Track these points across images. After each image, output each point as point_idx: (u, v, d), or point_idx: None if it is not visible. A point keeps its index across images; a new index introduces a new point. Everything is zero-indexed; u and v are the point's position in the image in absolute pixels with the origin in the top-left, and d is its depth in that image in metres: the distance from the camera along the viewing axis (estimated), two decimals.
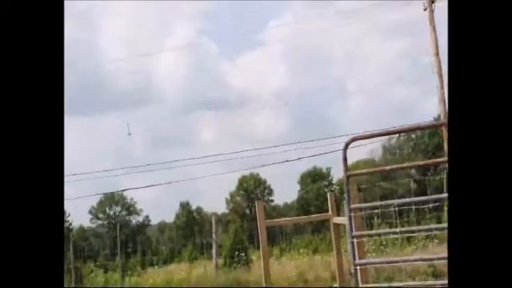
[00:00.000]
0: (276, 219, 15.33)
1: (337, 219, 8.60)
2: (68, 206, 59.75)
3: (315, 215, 15.20)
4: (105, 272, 20.78)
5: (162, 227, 67.86)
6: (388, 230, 9.99)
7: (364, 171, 8.37)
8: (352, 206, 5.41)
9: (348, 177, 5.32)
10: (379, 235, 8.30)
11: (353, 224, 5.38)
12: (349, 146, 5.27)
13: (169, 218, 66.33)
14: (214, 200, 69.81)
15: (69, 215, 61.35)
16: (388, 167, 7.08)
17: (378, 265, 9.37)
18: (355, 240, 5.42)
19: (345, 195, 5.43)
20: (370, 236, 8.40)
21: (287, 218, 17.87)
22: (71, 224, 61.64)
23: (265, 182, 64.05)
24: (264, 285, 8.63)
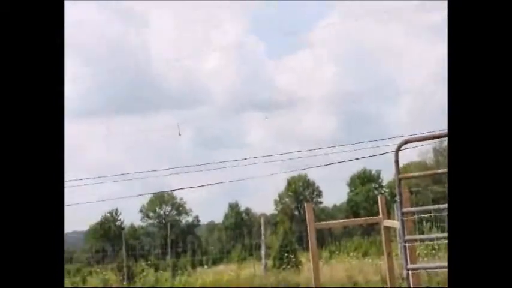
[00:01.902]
0: (326, 222, 15.26)
1: (388, 223, 8.48)
2: (119, 204, 60.97)
3: (365, 218, 15.02)
4: (156, 270, 21.09)
5: (211, 227, 68.37)
6: (441, 234, 9.79)
7: (416, 174, 8.22)
8: (405, 209, 5.34)
9: (399, 180, 5.26)
10: (432, 240, 8.13)
11: (405, 228, 5.31)
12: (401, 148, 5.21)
13: (218, 219, 66.79)
14: (263, 201, 69.90)
15: (120, 214, 62.73)
16: (440, 170, 6.95)
17: (430, 270, 9.20)
18: (407, 244, 5.34)
19: (397, 198, 5.36)
20: (422, 240, 8.26)
21: (337, 221, 17.74)
22: (122, 223, 62.92)
23: (313, 183, 63.74)
24: (313, 287, 8.60)
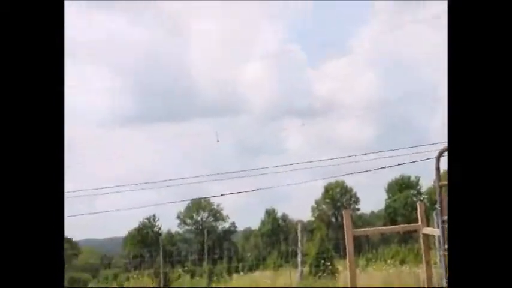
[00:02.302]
0: (363, 229, 15.06)
1: (427, 230, 8.30)
2: (157, 210, 61.54)
3: (403, 225, 14.79)
4: (192, 277, 21.16)
5: (248, 233, 68.38)
6: None
7: None
8: (445, 217, 5.20)
9: (440, 187, 5.13)
10: None
11: (445, 236, 5.16)
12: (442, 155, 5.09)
13: (255, 225, 66.82)
14: (299, 208, 69.69)
15: (158, 220, 63.29)
16: None
17: None
18: (447, 253, 5.20)
19: (437, 205, 5.24)
20: None
21: (375, 228, 17.51)
22: (160, 229, 63.46)
23: (351, 190, 63.23)
24: None
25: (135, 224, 61.85)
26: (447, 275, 5.19)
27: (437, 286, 8.79)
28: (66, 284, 20.58)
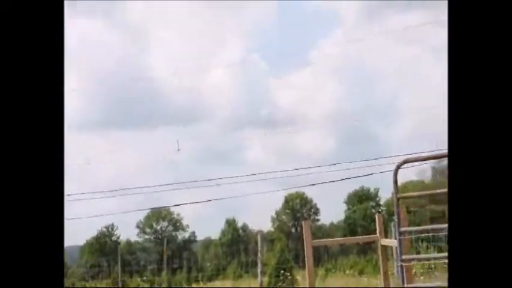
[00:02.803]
0: (323, 239, 15.20)
1: (385, 241, 8.46)
2: (116, 219, 60.78)
3: (362, 236, 14.98)
4: (151, 286, 20.95)
5: (208, 243, 68.11)
6: (439, 254, 9.77)
7: (415, 194, 8.20)
8: (402, 229, 5.32)
9: (398, 199, 5.25)
10: (429, 259, 8.10)
11: (402, 248, 5.28)
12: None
13: (215, 235, 66.58)
14: (260, 218, 69.65)
15: (116, 229, 62.48)
16: (439, 190, 6.94)
17: None
18: (404, 264, 5.32)
19: (395, 217, 5.35)
20: (419, 260, 8.23)
21: (334, 239, 17.68)
22: (118, 238, 62.66)
23: (311, 201, 63.69)
24: None
25: (93, 233, 60.95)
26: (404, 285, 5.31)
27: None
28: None
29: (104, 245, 59.25)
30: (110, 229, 62.56)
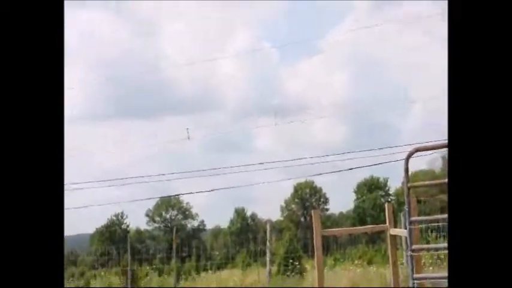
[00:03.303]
0: (332, 229, 15.18)
1: (395, 231, 8.39)
2: (126, 208, 61.12)
3: (371, 226, 14.94)
4: (160, 275, 21.01)
5: (217, 232, 68.34)
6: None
7: (426, 183, 8.15)
8: (413, 218, 5.25)
9: (408, 188, 5.18)
10: (439, 249, 8.04)
11: (412, 237, 5.22)
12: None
13: (224, 224, 66.79)
14: (269, 207, 69.89)
15: (126, 217, 62.81)
16: None
17: (436, 280, 9.11)
18: (414, 253, 5.26)
19: (405, 207, 5.29)
20: (428, 250, 8.16)
21: (344, 228, 17.65)
22: (128, 226, 63.01)
23: (320, 190, 63.67)
24: None
25: (103, 221, 61.32)
26: (414, 275, 5.25)
27: (403, 286, 8.89)
28: None
29: (113, 234, 59.61)
30: (119, 217, 62.93)
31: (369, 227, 14.92)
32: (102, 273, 21.46)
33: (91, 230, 62.06)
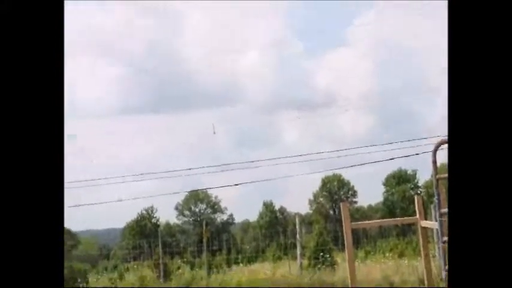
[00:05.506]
0: (362, 222, 15.19)
1: (425, 223, 8.42)
2: (155, 202, 61.63)
3: (402, 218, 14.89)
4: (192, 268, 21.25)
5: (246, 226, 68.52)
6: None
7: None
8: (443, 210, 5.30)
9: (437, 180, 5.23)
10: None
11: (443, 229, 5.27)
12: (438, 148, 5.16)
13: (253, 217, 66.93)
14: (297, 201, 69.81)
15: (156, 211, 63.37)
16: None
17: None
18: (445, 245, 5.30)
19: (435, 199, 5.33)
20: None
21: (374, 221, 17.61)
22: (158, 220, 63.55)
23: (348, 183, 63.39)
24: (350, 287, 8.59)
25: (133, 215, 61.94)
26: (446, 267, 5.30)
27: (436, 278, 8.91)
28: (66, 273, 20.69)
29: (144, 227, 60.17)
30: (149, 211, 63.51)
31: (399, 220, 14.89)
32: (135, 266, 21.78)
33: (122, 224, 62.82)
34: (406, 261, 17.77)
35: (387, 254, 21.66)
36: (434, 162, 5.19)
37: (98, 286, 19.76)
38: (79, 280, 20.15)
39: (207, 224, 25.32)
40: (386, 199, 60.44)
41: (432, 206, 12.82)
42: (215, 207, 67.08)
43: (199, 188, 61.57)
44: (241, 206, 77.31)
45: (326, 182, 62.97)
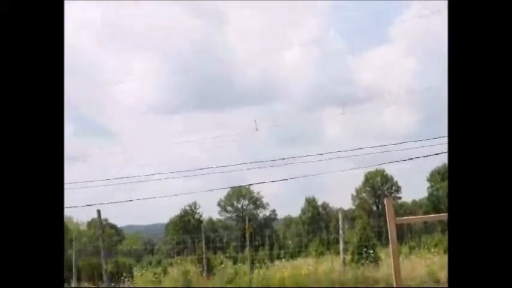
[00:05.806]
0: (406, 217, 14.96)
1: None
2: (198, 198, 62.31)
3: (446, 214, 14.60)
4: (234, 263, 21.35)
5: (288, 221, 68.58)
6: None
7: None
8: None
9: None
10: None
11: None
12: None
13: (295, 213, 66.95)
14: (339, 196, 69.54)
15: (199, 207, 64.01)
16: None
17: None
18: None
19: None
20: None
21: (419, 216, 17.34)
22: (201, 216, 64.20)
23: (392, 178, 62.77)
24: (394, 284, 8.47)
25: (176, 211, 62.76)
26: None
27: None
28: (111, 267, 21.07)
29: (187, 223, 60.88)
30: (192, 207, 64.19)
31: (443, 215, 14.52)
32: (179, 261, 21.99)
33: (165, 219, 63.70)
34: None
35: (432, 250, 21.31)
36: None
37: (142, 280, 20.02)
38: (124, 275, 20.48)
39: (249, 220, 25.40)
40: (431, 194, 59.62)
41: None
42: (257, 203, 67.35)
43: (242, 184, 61.87)
44: (283, 202, 77.53)
45: (369, 178, 62.50)
